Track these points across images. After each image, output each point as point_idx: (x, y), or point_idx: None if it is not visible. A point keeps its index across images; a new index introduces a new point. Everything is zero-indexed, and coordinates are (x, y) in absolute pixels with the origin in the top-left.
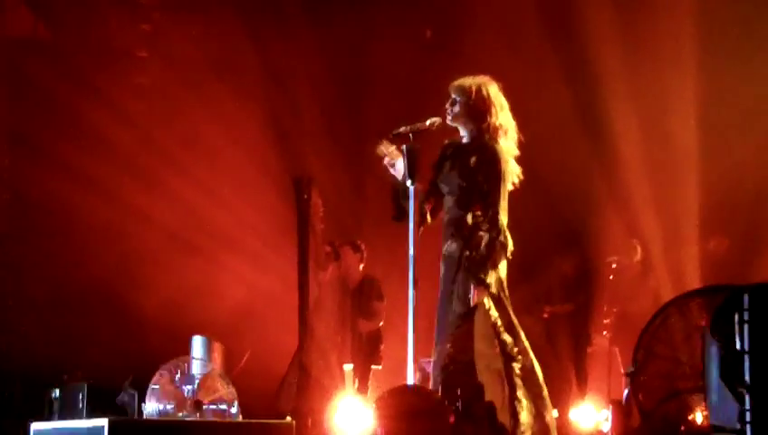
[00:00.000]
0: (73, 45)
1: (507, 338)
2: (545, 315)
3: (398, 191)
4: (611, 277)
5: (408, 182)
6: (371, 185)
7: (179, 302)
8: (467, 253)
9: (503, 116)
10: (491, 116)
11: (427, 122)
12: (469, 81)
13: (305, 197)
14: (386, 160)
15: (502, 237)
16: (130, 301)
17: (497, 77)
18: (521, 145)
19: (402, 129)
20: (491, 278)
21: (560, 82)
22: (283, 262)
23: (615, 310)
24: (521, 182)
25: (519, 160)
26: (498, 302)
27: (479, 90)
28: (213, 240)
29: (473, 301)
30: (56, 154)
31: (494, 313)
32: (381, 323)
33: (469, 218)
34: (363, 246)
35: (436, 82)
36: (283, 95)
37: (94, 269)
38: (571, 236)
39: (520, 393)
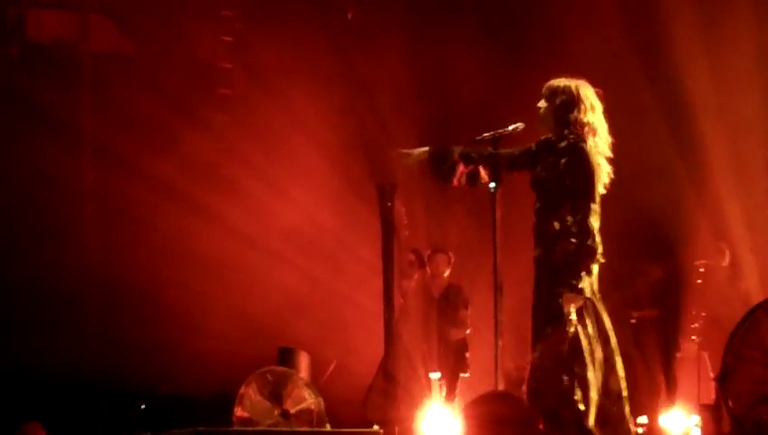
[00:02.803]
0: (157, 58)
1: (596, 345)
2: (633, 320)
3: (434, 156)
4: (699, 281)
5: (492, 185)
6: (455, 192)
7: (265, 312)
8: (558, 258)
9: (592, 115)
10: (579, 112)
11: (510, 127)
12: (561, 81)
13: (389, 204)
14: (409, 164)
15: (591, 241)
16: (217, 312)
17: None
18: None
19: (485, 135)
20: (583, 283)
21: (644, 82)
22: (367, 270)
23: (704, 314)
24: (606, 187)
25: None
26: (592, 307)
27: (569, 89)
28: (296, 249)
29: (564, 307)
30: (140, 167)
31: (584, 319)
32: (468, 332)
33: (556, 224)
34: (449, 254)
35: (519, 94)
36: (368, 105)
37: (176, 280)
38: (659, 240)
39: (599, 396)
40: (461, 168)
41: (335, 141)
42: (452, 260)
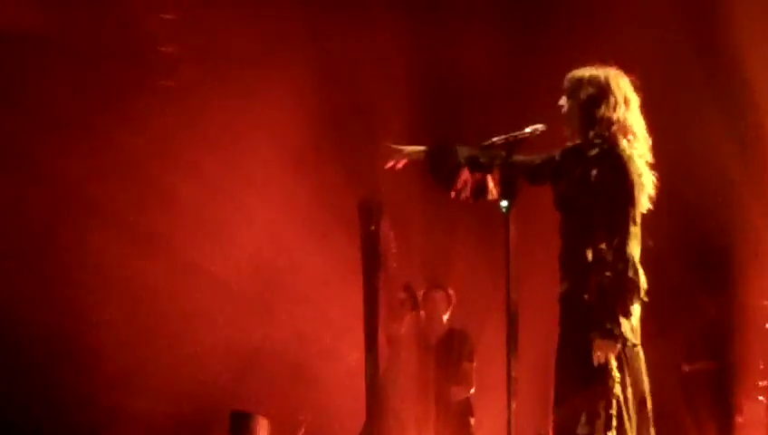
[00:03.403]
0: (80, 41)
1: (633, 408)
2: (683, 373)
3: (437, 155)
4: None
5: (504, 203)
6: (458, 212)
7: (216, 365)
8: (587, 296)
9: (627, 112)
10: (609, 108)
11: (528, 130)
12: (587, 70)
13: (373, 227)
14: (395, 164)
15: (632, 273)
16: (155, 363)
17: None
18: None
19: (495, 139)
20: (622, 327)
21: (694, 67)
22: (345, 312)
23: None
24: (652, 200)
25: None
26: (632, 357)
27: (596, 79)
28: (255, 284)
29: (597, 359)
30: (56, 177)
31: (622, 373)
32: (473, 390)
33: (589, 252)
34: (449, 291)
35: (539, 87)
36: (348, 100)
37: (103, 321)
38: (716, 271)
39: None
40: (465, 175)
41: (305, 147)
42: (453, 299)
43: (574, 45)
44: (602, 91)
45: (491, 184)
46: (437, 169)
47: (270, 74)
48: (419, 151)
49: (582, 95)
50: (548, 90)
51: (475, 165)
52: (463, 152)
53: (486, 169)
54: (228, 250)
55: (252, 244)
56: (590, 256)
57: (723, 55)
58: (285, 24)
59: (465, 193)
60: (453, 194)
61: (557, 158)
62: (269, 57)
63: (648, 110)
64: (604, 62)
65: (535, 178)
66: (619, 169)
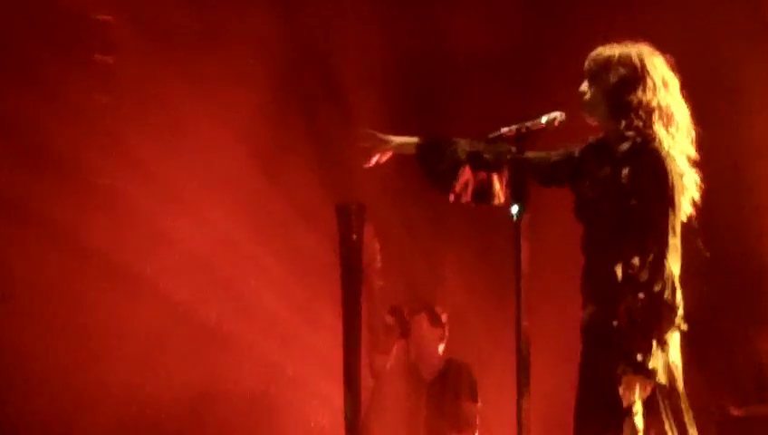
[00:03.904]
0: None
1: None
2: (733, 419)
3: (425, 149)
4: None
5: (515, 208)
6: (458, 220)
7: (166, 400)
8: (616, 323)
9: (667, 96)
10: (645, 92)
11: (544, 119)
12: (615, 48)
13: (354, 236)
14: (379, 159)
15: (668, 295)
16: (95, 400)
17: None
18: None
19: (505, 129)
20: (655, 362)
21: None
22: (320, 338)
23: None
24: (696, 205)
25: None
26: (668, 396)
27: (628, 58)
28: (210, 302)
29: (625, 398)
30: None
31: (657, 413)
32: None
33: (619, 270)
34: (442, 315)
35: (555, 65)
36: (324, 82)
37: (37, 351)
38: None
39: None
40: (467, 174)
41: (272, 139)
42: (447, 325)
43: (600, 14)
44: (636, 72)
45: (497, 186)
46: (431, 166)
47: (230, 52)
48: (409, 144)
49: (612, 78)
50: (567, 69)
51: (478, 162)
52: (463, 146)
53: (492, 167)
54: (180, 265)
55: (208, 257)
56: (619, 273)
57: None
58: None
59: (466, 197)
60: (451, 197)
61: (578, 155)
62: (228, 32)
63: (690, 95)
64: (633, 38)
65: (551, 179)
66: (656, 167)
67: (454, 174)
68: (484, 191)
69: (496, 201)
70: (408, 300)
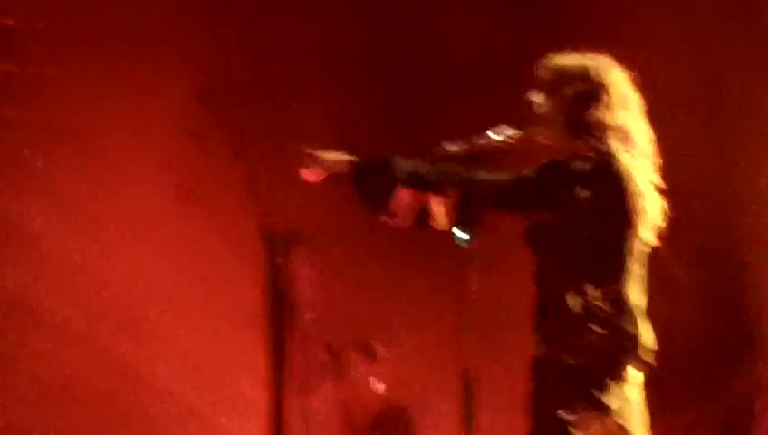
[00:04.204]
0: None
1: None
2: None
3: (366, 167)
4: None
5: (462, 235)
6: (399, 247)
7: None
8: (572, 361)
9: (625, 114)
10: (604, 110)
11: (499, 136)
12: (574, 59)
13: (281, 263)
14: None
15: (633, 329)
16: None
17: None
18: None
19: (453, 147)
20: (615, 399)
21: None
22: (244, 378)
23: None
24: (661, 233)
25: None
26: None
27: (586, 72)
28: (121, 339)
29: None
30: None
31: None
32: None
33: (575, 301)
34: (382, 352)
35: (516, 71)
36: (251, 87)
37: None
38: (749, 328)
39: None
40: (405, 196)
41: (194, 158)
42: (385, 362)
43: (596, 18)
44: (595, 87)
45: (440, 209)
46: (367, 186)
47: (149, 61)
48: (343, 161)
49: (569, 91)
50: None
51: (418, 182)
52: (402, 165)
53: (434, 187)
54: (82, 294)
55: (115, 287)
56: (576, 306)
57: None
58: None
59: (405, 220)
60: (387, 221)
61: (532, 176)
62: (148, 39)
63: (656, 119)
64: (596, 47)
65: (504, 203)
66: (616, 188)
67: (388, 195)
68: (424, 215)
69: (440, 225)
70: (344, 336)
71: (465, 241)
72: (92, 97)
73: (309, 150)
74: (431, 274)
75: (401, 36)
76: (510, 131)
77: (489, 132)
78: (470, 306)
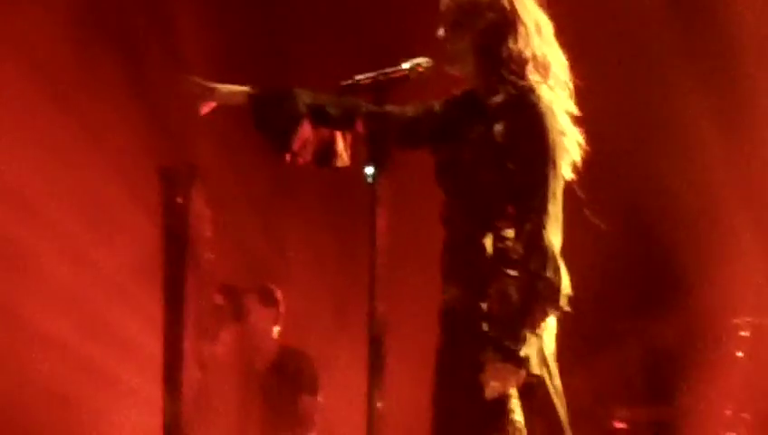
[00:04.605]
0: None
1: None
2: (619, 426)
3: (266, 100)
4: (741, 355)
5: (370, 170)
6: (300, 183)
7: None
8: (485, 306)
9: (541, 43)
10: (518, 41)
11: (406, 65)
12: None
13: (179, 200)
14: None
15: (550, 272)
16: None
17: None
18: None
19: (360, 77)
20: (528, 349)
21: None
22: (136, 321)
23: (747, 416)
24: (577, 169)
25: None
26: (543, 391)
27: (497, 2)
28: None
29: (491, 392)
30: None
31: (528, 411)
32: None
33: (488, 242)
34: (279, 295)
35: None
36: (148, 19)
37: None
38: (666, 276)
39: None
40: (306, 131)
41: (79, 83)
42: (282, 305)
43: None
44: (507, 17)
45: (340, 145)
46: (266, 121)
47: None
48: (240, 93)
49: (479, 24)
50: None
51: (321, 117)
52: (304, 98)
53: (338, 123)
54: None
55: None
56: (489, 248)
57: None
58: None
59: (306, 157)
60: (288, 157)
61: (440, 109)
62: None
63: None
64: None
65: (408, 138)
66: (534, 123)
67: (290, 132)
68: (326, 152)
69: (340, 163)
70: (243, 277)
71: (373, 177)
72: None
73: (201, 81)
74: (337, 213)
75: None
76: (422, 61)
77: (402, 63)
78: (377, 247)
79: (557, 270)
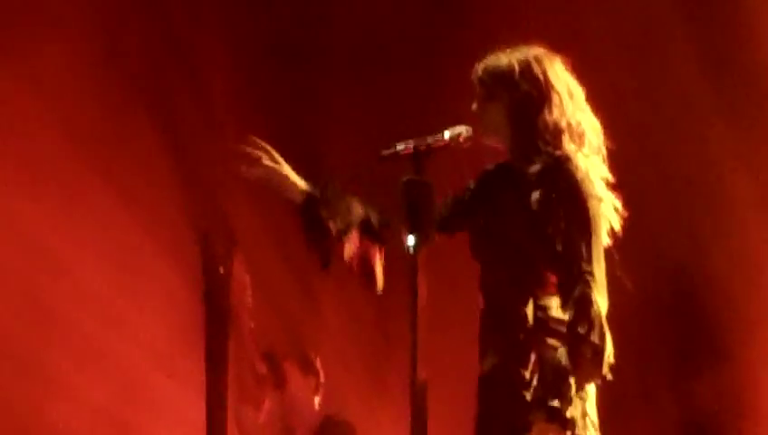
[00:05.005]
0: None
1: None
2: None
3: (312, 204)
4: None
5: (411, 239)
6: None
7: None
8: (527, 374)
9: (575, 110)
10: (553, 110)
11: (447, 135)
12: (509, 56)
13: (220, 269)
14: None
15: (596, 338)
16: None
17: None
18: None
19: (401, 146)
20: (574, 411)
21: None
22: (179, 389)
23: None
24: (615, 235)
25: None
26: None
27: (530, 72)
28: (52, 344)
29: None
30: None
31: None
32: None
33: (529, 311)
34: (319, 363)
35: (461, 63)
36: (185, 81)
37: None
38: (706, 344)
39: None
40: (354, 245)
41: (117, 145)
42: (322, 373)
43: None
44: (541, 87)
45: (379, 268)
46: (315, 225)
47: (61, 36)
48: (296, 189)
49: (515, 95)
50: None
51: (370, 230)
52: (358, 209)
53: (379, 237)
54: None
55: (44, 291)
56: (530, 317)
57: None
58: None
59: (355, 265)
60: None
61: (473, 184)
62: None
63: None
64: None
65: (448, 228)
66: (573, 189)
67: (338, 241)
68: (367, 271)
69: (376, 286)
70: (285, 346)
71: (415, 246)
72: None
73: (271, 151)
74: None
75: (324, 31)
76: (463, 130)
77: (443, 132)
78: (418, 315)
79: (603, 336)
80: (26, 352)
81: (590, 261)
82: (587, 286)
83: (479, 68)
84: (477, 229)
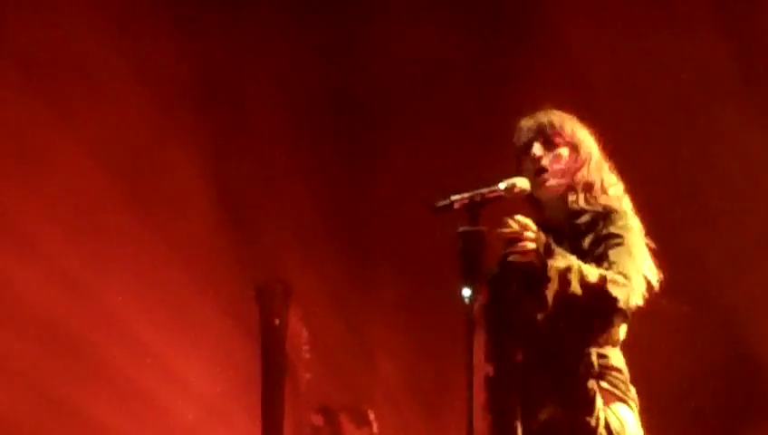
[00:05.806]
0: None
1: None
2: None
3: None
4: None
5: (467, 291)
6: (399, 303)
7: None
8: (591, 420)
9: (613, 182)
10: (599, 171)
11: (503, 186)
12: (572, 119)
13: (277, 321)
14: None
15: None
16: None
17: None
18: None
19: (456, 197)
20: None
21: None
22: None
23: None
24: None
25: None
26: None
27: (588, 139)
28: (100, 399)
29: None
30: None
31: None
32: None
33: (594, 356)
34: (372, 416)
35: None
36: (235, 129)
37: None
38: (760, 394)
39: None
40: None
41: (184, 215)
42: (375, 426)
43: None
44: (595, 148)
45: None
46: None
47: (115, 92)
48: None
49: (583, 154)
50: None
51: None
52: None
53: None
54: (72, 360)
55: (104, 349)
56: (595, 363)
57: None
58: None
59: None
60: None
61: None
62: (121, 70)
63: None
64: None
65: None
66: (624, 220)
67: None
68: None
69: None
70: (341, 397)
71: (471, 297)
72: (54, 121)
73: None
74: (430, 332)
75: (382, 84)
76: (519, 181)
77: (501, 183)
78: (475, 368)
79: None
80: (83, 407)
81: (626, 269)
82: (617, 339)
83: (546, 119)
84: (527, 280)
